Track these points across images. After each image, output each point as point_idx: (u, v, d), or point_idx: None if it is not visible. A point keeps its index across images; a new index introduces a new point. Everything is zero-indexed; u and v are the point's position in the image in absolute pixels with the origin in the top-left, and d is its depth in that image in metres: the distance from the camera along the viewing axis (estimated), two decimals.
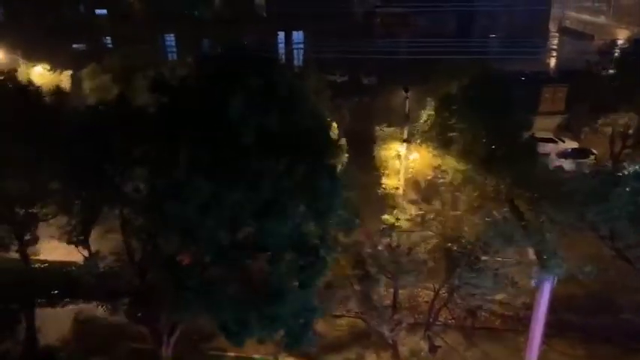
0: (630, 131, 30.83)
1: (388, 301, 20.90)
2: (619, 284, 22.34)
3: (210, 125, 13.46)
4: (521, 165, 18.33)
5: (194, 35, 50.50)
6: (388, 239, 18.61)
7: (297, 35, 58.65)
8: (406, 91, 22.44)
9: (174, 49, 56.80)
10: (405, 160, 21.19)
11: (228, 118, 13.18)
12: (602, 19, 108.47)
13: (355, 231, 17.77)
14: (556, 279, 17.34)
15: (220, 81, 13.95)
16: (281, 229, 13.45)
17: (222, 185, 12.99)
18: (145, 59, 27.40)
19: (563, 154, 36.61)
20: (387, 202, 20.83)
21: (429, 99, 21.38)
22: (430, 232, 18.41)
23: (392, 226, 19.45)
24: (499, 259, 17.56)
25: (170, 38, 57.53)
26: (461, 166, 19.09)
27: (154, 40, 53.67)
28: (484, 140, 18.82)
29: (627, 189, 15.77)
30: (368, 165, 22.61)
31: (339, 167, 17.74)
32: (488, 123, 18.79)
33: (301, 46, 57.39)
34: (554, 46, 58.77)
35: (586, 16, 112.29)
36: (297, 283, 14.46)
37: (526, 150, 19.40)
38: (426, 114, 21.00)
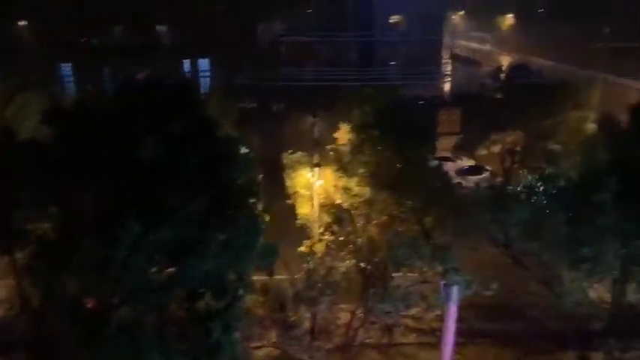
0: (517, 148, 33.78)
1: (307, 327, 20.88)
2: (519, 289, 24.01)
3: (118, 160, 12.89)
4: (427, 184, 19.41)
5: (93, 64, 48.29)
6: (304, 266, 18.72)
7: (203, 63, 58.22)
8: (314, 117, 23.01)
9: (71, 79, 53.84)
10: (317, 185, 21.58)
11: (138, 153, 12.73)
12: (487, 47, 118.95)
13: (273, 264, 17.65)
14: (464, 288, 18.32)
15: (126, 111, 13.47)
16: (197, 269, 13.07)
17: (137, 223, 12.39)
18: (36, 89, 25.76)
19: (461, 172, 39.07)
20: (302, 228, 21.00)
21: (338, 124, 22.07)
22: (344, 256, 18.78)
23: (308, 253, 19.62)
24: (410, 275, 18.29)
25: (67, 68, 54.54)
26: (371, 189, 19.80)
27: (49, 69, 50.54)
28: (392, 163, 19.73)
29: (518, 200, 17.19)
30: (281, 192, 22.71)
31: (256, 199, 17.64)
32: (395, 146, 19.75)
33: (207, 74, 56.94)
34: (448, 72, 63.24)
35: (474, 45, 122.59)
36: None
37: (431, 170, 20.62)
38: (336, 139, 21.66)
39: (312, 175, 21.68)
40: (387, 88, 34.70)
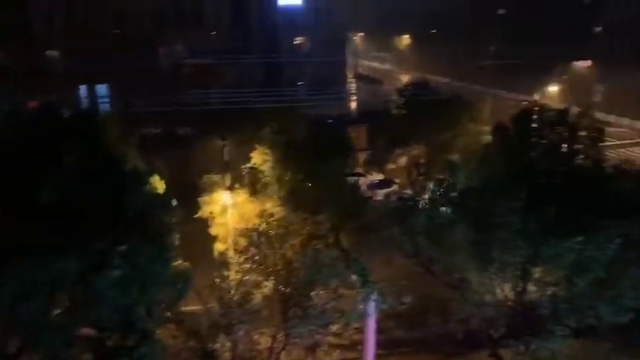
0: (422, 160, 35.49)
1: (227, 357, 20.15)
2: (431, 297, 24.98)
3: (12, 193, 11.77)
4: (343, 200, 19.72)
5: None
6: (220, 293, 18.12)
7: (101, 89, 55.42)
8: (223, 140, 22.67)
9: None
10: (230, 208, 21.16)
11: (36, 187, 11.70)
12: (388, 66, 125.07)
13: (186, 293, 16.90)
14: (380, 302, 18.75)
15: (17, 142, 12.37)
16: (101, 306, 12.16)
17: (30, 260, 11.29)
18: None
19: (371, 186, 40.30)
20: (216, 253, 20.41)
21: (249, 146, 21.86)
22: (261, 279, 18.45)
23: (223, 279, 19.04)
24: (328, 292, 18.33)
25: None
26: (286, 209, 19.73)
27: None
28: (305, 181, 19.85)
29: (423, 210, 17.96)
30: (193, 218, 21.98)
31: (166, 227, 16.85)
32: (308, 164, 19.90)
33: (107, 100, 54.20)
34: (353, 91, 65.44)
35: (375, 64, 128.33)
36: None
37: (345, 186, 20.98)
38: (249, 161, 21.42)
39: (226, 199, 21.23)
40: (295, 108, 35.13)
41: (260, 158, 20.62)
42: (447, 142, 32.63)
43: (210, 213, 21.84)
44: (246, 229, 19.48)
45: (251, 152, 21.20)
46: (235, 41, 64.43)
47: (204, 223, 21.88)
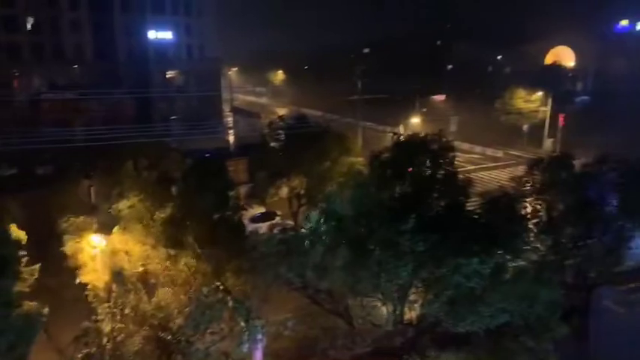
0: (302, 191, 36.10)
1: None
2: (319, 327, 25.04)
3: None
4: (223, 237, 19.09)
5: None
6: (87, 347, 16.42)
7: None
8: (89, 179, 20.98)
9: None
10: (100, 252, 19.46)
11: None
12: (264, 100, 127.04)
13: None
14: (264, 339, 18.32)
15: None
16: None
17: None
18: None
19: (254, 220, 39.93)
20: (85, 302, 18.53)
21: (118, 185, 20.41)
22: (136, 327, 17.09)
23: (95, 330, 17.34)
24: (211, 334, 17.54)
25: None
26: (163, 250, 18.64)
27: None
28: (184, 219, 18.94)
29: (304, 241, 18.10)
30: (56, 265, 19.81)
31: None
32: (185, 201, 19.07)
33: None
34: (230, 125, 65.08)
35: (252, 98, 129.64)
36: None
37: (227, 222, 20.37)
38: (119, 201, 19.92)
39: (94, 243, 19.51)
40: (168, 143, 33.89)
41: (131, 197, 19.32)
42: (325, 171, 33.61)
43: (78, 258, 19.89)
44: (119, 274, 18.03)
45: (121, 191, 19.79)
46: (101, 75, 61.00)
47: (71, 270, 19.82)
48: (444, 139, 20.55)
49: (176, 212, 18.97)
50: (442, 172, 19.30)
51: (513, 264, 16.35)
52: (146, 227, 18.88)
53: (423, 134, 21.47)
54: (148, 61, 67.16)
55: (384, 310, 17.32)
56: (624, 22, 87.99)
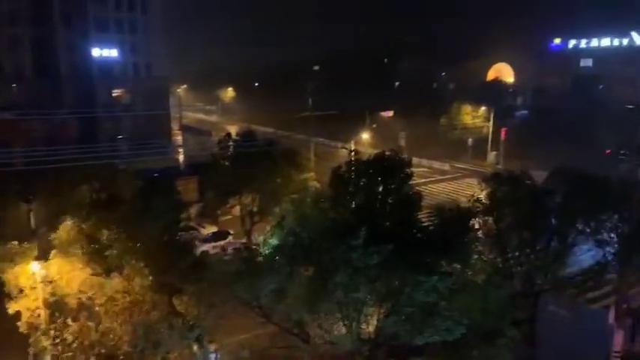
0: (255, 209, 35.71)
1: None
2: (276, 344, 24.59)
3: None
4: (173, 259, 18.56)
5: None
6: None
7: None
8: (28, 203, 19.95)
9: None
10: (41, 279, 18.45)
11: None
12: (214, 118, 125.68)
13: None
14: None
15: None
16: None
17: None
18: None
19: (206, 239, 39.14)
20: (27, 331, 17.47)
21: (61, 208, 19.51)
22: (80, 355, 16.28)
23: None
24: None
25: None
26: (109, 274, 17.91)
27: None
28: (130, 242, 18.30)
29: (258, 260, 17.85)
30: None
31: None
32: (133, 223, 18.45)
33: None
34: (180, 143, 63.92)
35: (202, 116, 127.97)
36: None
37: (176, 244, 19.86)
38: (63, 225, 19.01)
39: (35, 269, 18.48)
40: (117, 163, 32.81)
41: (74, 221, 18.48)
42: (277, 188, 33.44)
43: (16, 285, 18.77)
44: (58, 303, 17.14)
45: (63, 214, 18.90)
46: (42, 94, 58.59)
47: (10, 297, 18.67)
48: (399, 156, 20.93)
49: (123, 235, 18.30)
50: (395, 186, 19.64)
51: (466, 275, 16.73)
52: (90, 252, 18.10)
53: (378, 151, 21.85)
54: (92, 79, 65.20)
55: (342, 327, 17.25)
56: (557, 41, 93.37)
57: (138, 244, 18.55)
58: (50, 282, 18.47)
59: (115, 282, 17.71)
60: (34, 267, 19.05)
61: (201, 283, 17.76)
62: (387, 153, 21.63)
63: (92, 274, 17.66)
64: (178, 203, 22.67)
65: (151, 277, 17.92)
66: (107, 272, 17.71)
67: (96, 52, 65.59)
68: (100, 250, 17.87)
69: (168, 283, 18.47)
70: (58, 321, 17.82)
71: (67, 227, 18.45)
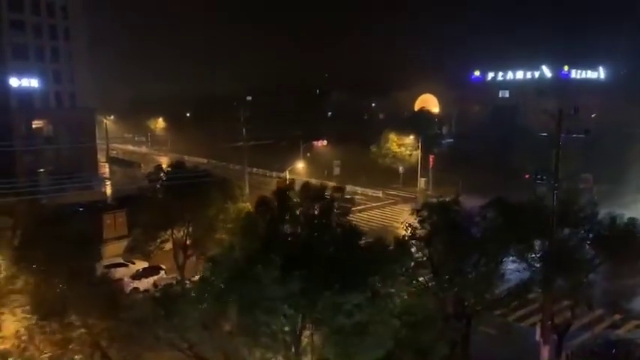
0: (188, 242, 34.56)
1: None
2: None
3: None
4: (96, 298, 17.45)
5: None
6: None
7: None
8: None
9: None
10: None
11: None
12: (144, 149, 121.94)
13: None
14: None
15: None
16: None
17: None
18: None
19: (136, 276, 37.36)
20: None
21: None
22: None
23: None
24: None
25: None
26: (28, 318, 16.58)
27: None
28: (51, 283, 17.08)
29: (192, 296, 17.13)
30: None
31: None
32: (53, 262, 17.26)
33: None
34: (107, 175, 61.24)
35: (131, 147, 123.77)
36: None
37: (99, 281, 18.75)
38: None
39: None
40: (34, 199, 30.79)
41: None
42: (211, 220, 32.66)
43: None
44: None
45: None
46: None
47: None
48: (335, 186, 21.01)
49: (41, 273, 17.08)
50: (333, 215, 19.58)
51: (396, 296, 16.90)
52: (6, 292, 16.72)
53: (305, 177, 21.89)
54: (9, 109, 61.53)
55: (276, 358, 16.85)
56: (477, 73, 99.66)
57: (60, 285, 17.36)
58: None
59: (35, 323, 16.42)
60: None
61: (123, 325, 16.73)
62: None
63: (11, 318, 16.26)
64: (99, 239, 21.44)
65: (73, 321, 16.77)
66: (26, 313, 16.38)
67: (14, 81, 62.14)
68: (17, 291, 16.53)
69: (93, 326, 17.32)
70: None
71: None
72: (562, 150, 23.36)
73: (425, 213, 22.38)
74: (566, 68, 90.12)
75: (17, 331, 16.68)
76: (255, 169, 72.39)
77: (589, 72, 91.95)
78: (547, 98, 71.85)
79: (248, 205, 34.27)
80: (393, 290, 16.48)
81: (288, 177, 44.74)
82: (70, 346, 16.86)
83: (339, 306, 14.86)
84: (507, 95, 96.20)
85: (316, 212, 19.25)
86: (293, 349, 16.13)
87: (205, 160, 75.66)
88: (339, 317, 14.98)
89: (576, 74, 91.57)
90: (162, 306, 16.25)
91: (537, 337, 24.08)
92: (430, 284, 22.00)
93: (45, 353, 16.19)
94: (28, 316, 16.74)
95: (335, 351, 15.54)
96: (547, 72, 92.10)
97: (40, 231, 18.43)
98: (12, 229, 18.92)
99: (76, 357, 15.67)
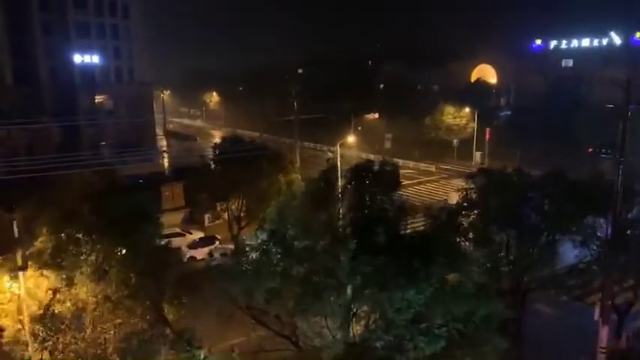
0: (242, 214, 35.55)
1: None
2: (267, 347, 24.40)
3: None
4: (159, 266, 18.37)
5: None
6: None
7: None
8: (11, 212, 19.56)
9: None
10: (23, 290, 18.14)
11: None
12: (199, 122, 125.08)
13: None
14: None
15: None
16: None
17: None
18: None
19: (193, 245, 38.88)
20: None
21: (44, 218, 19.17)
22: None
23: None
24: None
25: None
26: (94, 286, 17.66)
27: None
28: (114, 252, 18.06)
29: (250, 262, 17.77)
30: None
31: None
32: (116, 232, 18.20)
33: None
34: (165, 148, 63.45)
35: (186, 121, 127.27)
36: None
37: (162, 253, 19.66)
38: (45, 235, 18.65)
39: (16, 282, 18.17)
40: (100, 171, 32.37)
41: (58, 230, 18.14)
42: (264, 192, 33.31)
43: None
44: (46, 314, 16.85)
45: (47, 224, 18.54)
46: (22, 101, 57.73)
47: None
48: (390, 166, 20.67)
49: (107, 243, 18.05)
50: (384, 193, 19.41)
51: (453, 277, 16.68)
52: (76, 262, 17.81)
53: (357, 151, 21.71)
54: (74, 85, 64.47)
55: (332, 331, 17.21)
56: (538, 41, 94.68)
57: (121, 251, 18.32)
58: (32, 294, 18.15)
59: (101, 291, 17.47)
60: (12, 281, 18.67)
61: (186, 289, 17.60)
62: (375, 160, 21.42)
63: (78, 285, 17.36)
64: (159, 209, 22.33)
65: (135, 284, 17.71)
66: (92, 282, 17.43)
67: (77, 58, 64.87)
68: (85, 260, 17.56)
69: (155, 291, 18.26)
70: (42, 334, 17.47)
71: (49, 236, 18.13)
72: (629, 122, 21.99)
73: (482, 178, 21.63)
74: (638, 35, 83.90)
75: (80, 299, 17.63)
76: (306, 143, 72.76)
77: None
78: (615, 67, 67.32)
79: (299, 178, 34.71)
80: (462, 279, 16.19)
81: (339, 151, 44.64)
82: (132, 312, 17.82)
83: (399, 290, 14.79)
84: (571, 65, 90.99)
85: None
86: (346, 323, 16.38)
87: (258, 134, 76.64)
88: (395, 301, 14.95)
89: None
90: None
91: (596, 316, 23.24)
92: (483, 260, 21.61)
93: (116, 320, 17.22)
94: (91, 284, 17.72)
95: (389, 333, 15.60)
96: (616, 39, 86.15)
97: (107, 201, 19.41)
98: (81, 199, 20.01)
99: (141, 321, 16.61)
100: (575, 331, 24.68)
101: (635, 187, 22.43)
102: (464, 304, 15.25)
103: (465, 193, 21.86)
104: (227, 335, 21.88)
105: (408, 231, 18.73)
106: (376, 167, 19.90)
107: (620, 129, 22.17)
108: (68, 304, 17.16)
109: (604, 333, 23.04)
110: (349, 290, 15.40)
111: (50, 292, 17.65)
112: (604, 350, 22.97)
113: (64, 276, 17.42)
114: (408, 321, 15.08)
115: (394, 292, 14.77)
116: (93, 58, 66.51)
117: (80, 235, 17.53)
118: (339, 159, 40.18)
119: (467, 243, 20.98)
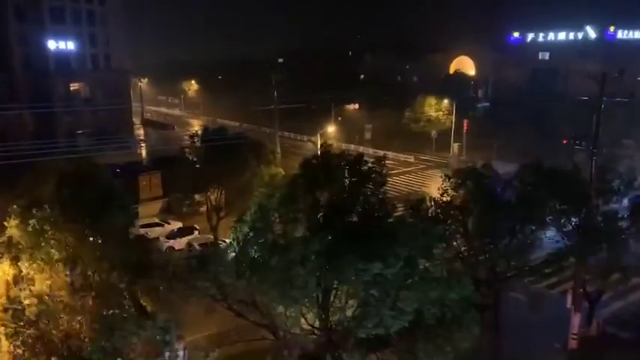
0: (221, 204, 35.25)
1: None
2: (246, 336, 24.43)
3: None
4: (133, 257, 18.14)
5: None
6: None
7: None
8: None
9: None
10: None
11: None
12: (177, 111, 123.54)
13: None
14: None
15: None
16: None
17: None
18: None
19: (172, 235, 38.52)
20: None
21: (16, 207, 18.71)
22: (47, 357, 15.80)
23: None
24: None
25: None
26: (65, 274, 17.39)
27: None
28: (86, 240, 17.78)
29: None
30: None
31: None
32: (88, 221, 17.93)
33: None
34: (142, 137, 62.64)
35: (164, 109, 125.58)
36: None
37: (134, 240, 19.45)
38: (14, 223, 18.25)
39: None
40: (74, 159, 31.64)
41: (28, 219, 17.77)
42: (244, 183, 33.05)
43: None
44: (14, 307, 16.56)
45: (17, 213, 18.14)
46: None
47: None
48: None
49: (79, 232, 17.75)
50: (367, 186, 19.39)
51: (426, 264, 16.89)
52: (45, 250, 17.47)
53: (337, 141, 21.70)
54: (48, 72, 62.99)
55: (309, 317, 17.30)
56: (516, 34, 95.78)
57: (96, 239, 18.04)
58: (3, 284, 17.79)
59: (74, 278, 17.23)
60: None
61: (161, 278, 17.42)
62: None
63: (48, 273, 17.06)
64: (134, 199, 22.01)
65: (107, 272, 17.49)
66: (64, 269, 17.17)
67: (52, 44, 63.32)
68: (54, 248, 17.26)
69: (128, 280, 18.04)
70: (12, 326, 17.13)
71: (17, 226, 17.76)
72: (603, 115, 22.47)
73: (457, 180, 22.07)
74: (612, 29, 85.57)
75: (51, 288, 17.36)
76: (286, 133, 72.54)
77: (637, 32, 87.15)
78: (590, 60, 68.59)
79: (280, 170, 34.52)
80: (428, 264, 16.39)
81: (319, 141, 44.60)
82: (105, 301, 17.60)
83: (362, 272, 14.96)
84: (547, 57, 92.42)
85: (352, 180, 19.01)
86: (322, 308, 16.51)
87: (237, 124, 76.09)
88: (357, 281, 15.15)
89: (623, 35, 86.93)
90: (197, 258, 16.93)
91: (568, 304, 23.88)
92: (462, 249, 21.95)
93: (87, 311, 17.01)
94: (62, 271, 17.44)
95: (358, 314, 15.80)
96: (591, 33, 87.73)
97: (82, 189, 19.04)
98: (56, 187, 19.60)
99: (116, 310, 16.42)
100: (549, 318, 25.33)
101: (607, 178, 22.96)
102: (435, 289, 15.50)
103: (442, 191, 22.16)
104: (207, 325, 21.84)
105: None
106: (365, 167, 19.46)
107: (594, 121, 22.65)
108: (36, 293, 16.88)
109: (576, 320, 23.70)
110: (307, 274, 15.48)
111: (15, 281, 17.34)
112: (575, 336, 23.65)
113: (34, 265, 17.11)
114: (376, 297, 15.27)
115: (360, 265, 14.91)
116: (68, 45, 65.04)
117: (48, 224, 17.17)
118: (319, 149, 40.04)
119: (447, 232, 21.23)
